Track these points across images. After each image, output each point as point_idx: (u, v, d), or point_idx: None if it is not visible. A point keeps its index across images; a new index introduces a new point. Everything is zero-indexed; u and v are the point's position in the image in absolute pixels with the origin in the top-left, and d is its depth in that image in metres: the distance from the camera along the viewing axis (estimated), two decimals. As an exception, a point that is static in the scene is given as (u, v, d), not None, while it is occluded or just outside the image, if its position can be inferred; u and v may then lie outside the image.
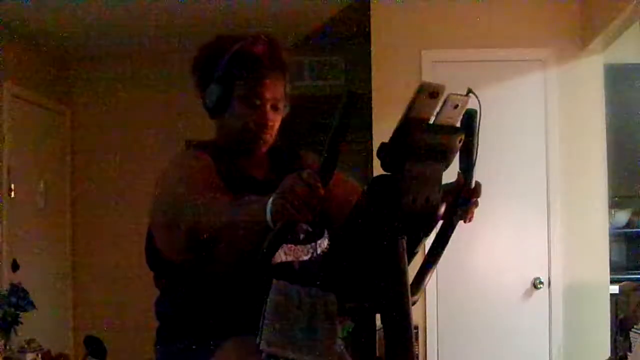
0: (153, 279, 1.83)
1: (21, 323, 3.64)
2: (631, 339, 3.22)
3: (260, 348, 1.39)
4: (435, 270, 1.64)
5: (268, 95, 1.76)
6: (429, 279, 1.63)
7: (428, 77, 3.97)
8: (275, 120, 1.80)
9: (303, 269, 1.69)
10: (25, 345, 3.70)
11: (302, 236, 1.74)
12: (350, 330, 1.61)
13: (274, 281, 1.42)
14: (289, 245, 1.70)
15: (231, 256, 1.58)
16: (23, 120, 4.88)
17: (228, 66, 1.74)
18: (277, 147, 1.87)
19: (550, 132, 4.13)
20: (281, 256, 1.68)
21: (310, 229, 1.74)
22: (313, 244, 1.76)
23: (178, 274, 1.74)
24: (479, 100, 1.44)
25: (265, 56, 1.76)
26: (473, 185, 1.57)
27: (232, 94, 1.75)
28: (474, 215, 1.59)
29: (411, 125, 1.33)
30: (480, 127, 1.48)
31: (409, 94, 1.31)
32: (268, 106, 1.77)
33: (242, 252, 1.50)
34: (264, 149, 1.82)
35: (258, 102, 1.75)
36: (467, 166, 1.53)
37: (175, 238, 1.65)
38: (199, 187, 1.63)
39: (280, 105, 1.80)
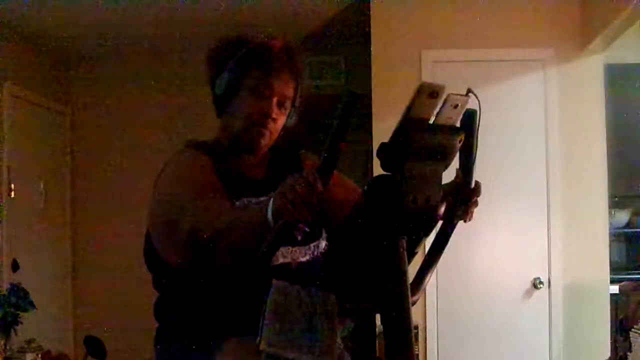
0: (152, 281, 1.83)
1: (21, 323, 3.63)
2: (631, 339, 3.22)
3: (261, 348, 1.39)
4: (435, 270, 1.64)
5: (276, 87, 1.76)
6: (429, 279, 1.62)
7: (428, 77, 3.98)
8: (279, 117, 1.79)
9: (301, 270, 1.69)
10: (25, 345, 3.69)
11: (299, 237, 1.73)
12: (350, 330, 1.61)
13: (274, 281, 1.42)
14: (287, 247, 1.69)
15: (231, 257, 1.58)
16: (23, 120, 4.88)
17: (243, 56, 1.76)
18: (277, 148, 1.86)
19: (550, 132, 4.13)
20: (279, 258, 1.67)
21: (307, 230, 1.74)
22: (312, 245, 1.75)
23: (176, 275, 1.73)
24: (478, 100, 1.44)
25: (281, 53, 1.77)
26: (473, 184, 1.57)
27: (241, 82, 1.76)
28: (474, 214, 1.59)
29: (411, 125, 1.33)
30: (480, 127, 1.48)
31: (409, 94, 1.31)
32: (275, 99, 1.77)
33: (242, 253, 1.50)
34: (264, 144, 1.80)
35: (266, 93, 1.75)
36: (467, 166, 1.53)
37: (174, 239, 1.64)
38: (197, 188, 1.63)
39: (287, 105, 1.80)
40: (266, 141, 1.80)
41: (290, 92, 1.80)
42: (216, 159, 1.76)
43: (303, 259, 1.71)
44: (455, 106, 1.38)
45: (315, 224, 1.72)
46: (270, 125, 1.78)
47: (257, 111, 1.76)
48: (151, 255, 1.78)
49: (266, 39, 1.79)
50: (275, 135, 1.82)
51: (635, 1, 3.40)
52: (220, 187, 1.67)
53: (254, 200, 1.62)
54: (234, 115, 1.79)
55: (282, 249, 1.67)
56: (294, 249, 1.71)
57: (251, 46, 1.77)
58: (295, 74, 1.80)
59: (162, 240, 1.73)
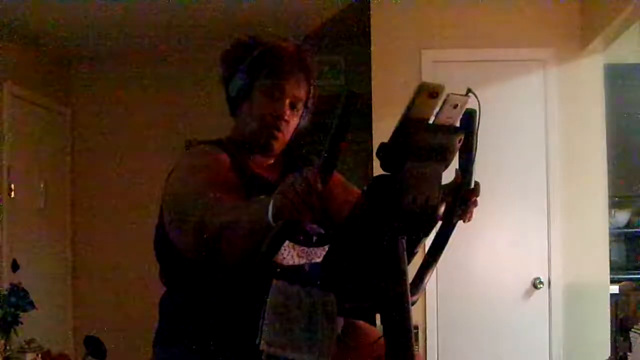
0: (159, 273, 1.82)
1: (21, 323, 3.63)
2: (631, 339, 3.21)
3: (260, 348, 1.39)
4: (435, 270, 1.64)
5: (289, 89, 1.78)
6: (429, 279, 1.62)
7: (428, 77, 3.97)
8: (292, 118, 1.80)
9: (313, 272, 1.67)
10: (25, 345, 3.69)
11: (314, 239, 1.72)
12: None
13: (274, 281, 1.42)
14: (302, 248, 1.69)
15: (233, 257, 1.57)
16: (23, 120, 4.88)
17: (256, 58, 1.77)
18: (291, 149, 1.88)
19: (550, 132, 4.13)
20: (294, 258, 1.66)
21: (322, 231, 1.73)
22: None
23: (184, 268, 1.72)
24: (478, 100, 1.44)
25: (293, 55, 1.79)
26: (472, 185, 1.57)
27: (254, 83, 1.77)
28: (474, 214, 1.60)
29: (411, 125, 1.32)
30: (480, 127, 1.48)
31: (409, 94, 1.31)
32: (287, 101, 1.78)
33: (244, 253, 1.50)
34: (277, 146, 1.82)
35: (278, 94, 1.77)
36: (467, 166, 1.53)
37: (184, 232, 1.64)
38: (210, 184, 1.63)
39: (299, 106, 1.81)
40: (279, 142, 1.81)
41: (302, 93, 1.81)
42: (233, 157, 1.77)
43: (318, 260, 1.71)
44: (455, 106, 1.38)
45: (330, 225, 1.71)
46: (283, 126, 1.79)
47: (269, 113, 1.77)
48: (162, 245, 1.76)
49: (279, 41, 1.81)
50: (288, 136, 1.83)
51: (635, 1, 3.40)
52: (238, 183, 1.68)
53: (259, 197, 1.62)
54: (247, 116, 1.80)
55: (297, 249, 1.67)
56: (309, 250, 1.70)
57: (264, 48, 1.78)
58: (307, 76, 1.81)
59: (173, 232, 1.70)
